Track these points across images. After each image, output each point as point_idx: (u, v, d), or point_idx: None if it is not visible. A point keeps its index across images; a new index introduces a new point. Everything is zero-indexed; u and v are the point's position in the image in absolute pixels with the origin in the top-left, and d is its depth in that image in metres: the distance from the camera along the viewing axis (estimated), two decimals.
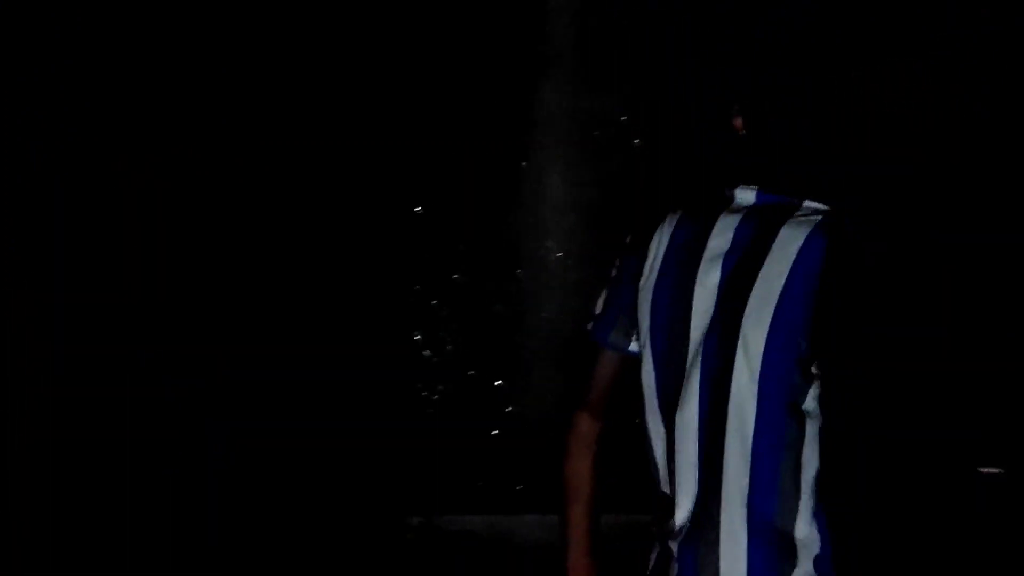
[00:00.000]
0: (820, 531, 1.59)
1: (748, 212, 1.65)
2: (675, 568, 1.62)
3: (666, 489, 1.66)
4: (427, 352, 3.69)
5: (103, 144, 3.51)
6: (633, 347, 1.71)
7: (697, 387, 1.62)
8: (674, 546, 1.63)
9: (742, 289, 1.61)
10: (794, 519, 1.59)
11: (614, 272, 1.76)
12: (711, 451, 1.60)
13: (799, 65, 1.61)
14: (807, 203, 1.64)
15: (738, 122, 1.67)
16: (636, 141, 3.67)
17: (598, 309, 1.77)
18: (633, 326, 1.71)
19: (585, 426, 1.77)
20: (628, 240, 1.75)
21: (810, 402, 1.58)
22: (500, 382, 3.70)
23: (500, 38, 3.67)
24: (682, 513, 1.63)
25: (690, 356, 1.63)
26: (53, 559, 3.37)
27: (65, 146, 3.49)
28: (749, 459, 1.59)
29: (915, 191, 3.28)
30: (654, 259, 1.68)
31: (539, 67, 3.70)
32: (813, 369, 1.58)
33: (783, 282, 1.59)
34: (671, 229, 1.69)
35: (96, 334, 3.46)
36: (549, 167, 3.74)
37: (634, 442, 1.72)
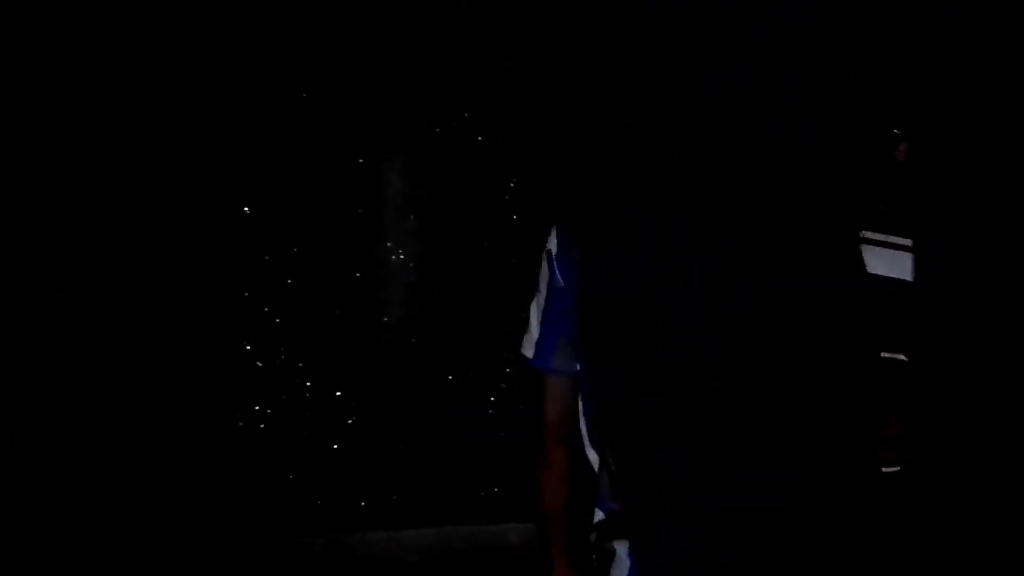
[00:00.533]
0: None
1: None
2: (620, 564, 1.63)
3: (612, 501, 1.63)
4: (259, 363, 3.47)
5: (103, 144, 3.50)
6: (579, 366, 1.63)
7: None
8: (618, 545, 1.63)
9: None
10: None
11: (541, 286, 1.68)
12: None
13: (799, 65, 1.61)
14: None
15: None
16: (479, 138, 3.51)
17: (533, 331, 1.70)
18: (576, 343, 1.62)
19: (554, 453, 1.74)
20: (553, 249, 1.65)
21: None
22: (340, 393, 3.50)
23: (335, 30, 3.49)
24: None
25: None
26: (54, 559, 3.37)
27: (65, 146, 3.48)
28: None
29: (915, 191, 3.27)
30: (600, 260, 1.57)
31: (378, 60, 3.51)
32: None
33: None
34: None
35: (96, 334, 3.46)
36: (388, 165, 3.54)
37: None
